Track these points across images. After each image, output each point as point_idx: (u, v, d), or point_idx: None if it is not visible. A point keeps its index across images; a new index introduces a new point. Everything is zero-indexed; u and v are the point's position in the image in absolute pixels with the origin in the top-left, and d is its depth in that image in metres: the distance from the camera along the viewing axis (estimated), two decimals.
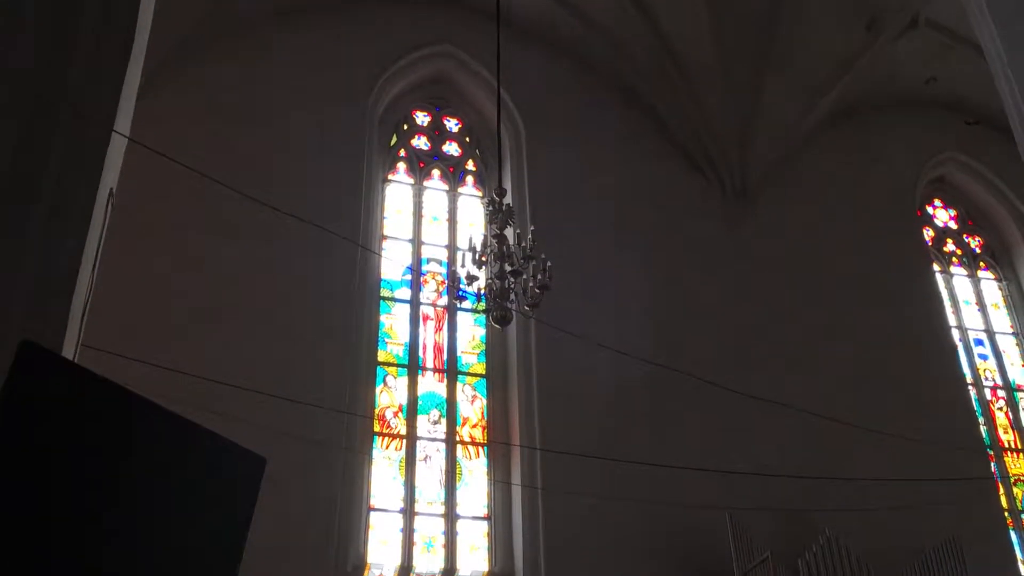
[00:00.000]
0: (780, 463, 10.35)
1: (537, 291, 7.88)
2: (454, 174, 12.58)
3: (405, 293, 11.52)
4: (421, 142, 12.70)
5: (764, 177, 12.75)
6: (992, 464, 12.06)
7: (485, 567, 10.00)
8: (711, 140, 12.66)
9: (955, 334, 13.02)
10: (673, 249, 12.04)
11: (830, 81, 12.91)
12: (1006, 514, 11.69)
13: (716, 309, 11.72)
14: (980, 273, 14.05)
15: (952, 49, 13.09)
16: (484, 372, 11.21)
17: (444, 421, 10.77)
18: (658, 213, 12.25)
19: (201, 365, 8.68)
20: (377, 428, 10.43)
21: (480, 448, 10.72)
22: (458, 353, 11.26)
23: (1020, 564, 11.31)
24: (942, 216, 14.39)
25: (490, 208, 8.30)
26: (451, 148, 12.76)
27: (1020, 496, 12.12)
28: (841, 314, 12.14)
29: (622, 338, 10.51)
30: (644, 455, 9.99)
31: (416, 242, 11.92)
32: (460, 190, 12.51)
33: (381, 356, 10.92)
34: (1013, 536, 11.53)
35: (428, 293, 11.63)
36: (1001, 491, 11.87)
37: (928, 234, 13.98)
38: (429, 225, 12.12)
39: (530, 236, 8.03)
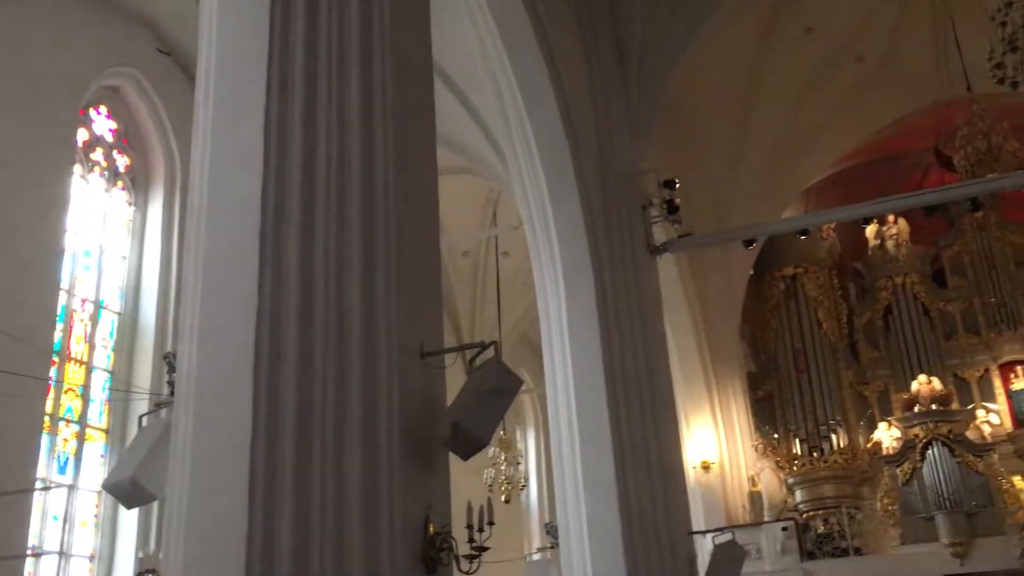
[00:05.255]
0: None
1: None
2: None
3: None
4: None
5: None
6: (53, 369, 12.22)
7: None
8: None
9: (68, 239, 12.92)
10: None
11: None
12: (47, 418, 11.92)
13: None
14: (116, 191, 14.31)
15: None
16: None
17: None
18: None
19: None
20: None
21: None
22: None
23: (39, 467, 11.60)
24: (103, 124, 14.30)
25: None
26: None
27: (65, 404, 12.51)
28: None
29: None
30: None
31: None
32: None
33: None
34: (44, 439, 11.76)
35: None
36: (51, 395, 12.08)
37: (83, 135, 13.72)
38: None
39: None
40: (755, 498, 16.72)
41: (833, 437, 17.28)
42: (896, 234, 18.67)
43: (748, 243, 13.61)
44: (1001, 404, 17.07)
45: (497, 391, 4.64)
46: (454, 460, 4.69)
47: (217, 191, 4.55)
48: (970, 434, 15.35)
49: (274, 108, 4.59)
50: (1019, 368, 17.17)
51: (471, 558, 4.49)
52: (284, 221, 4.36)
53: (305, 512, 3.80)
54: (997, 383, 17.33)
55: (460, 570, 4.46)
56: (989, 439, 15.72)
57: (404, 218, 4.64)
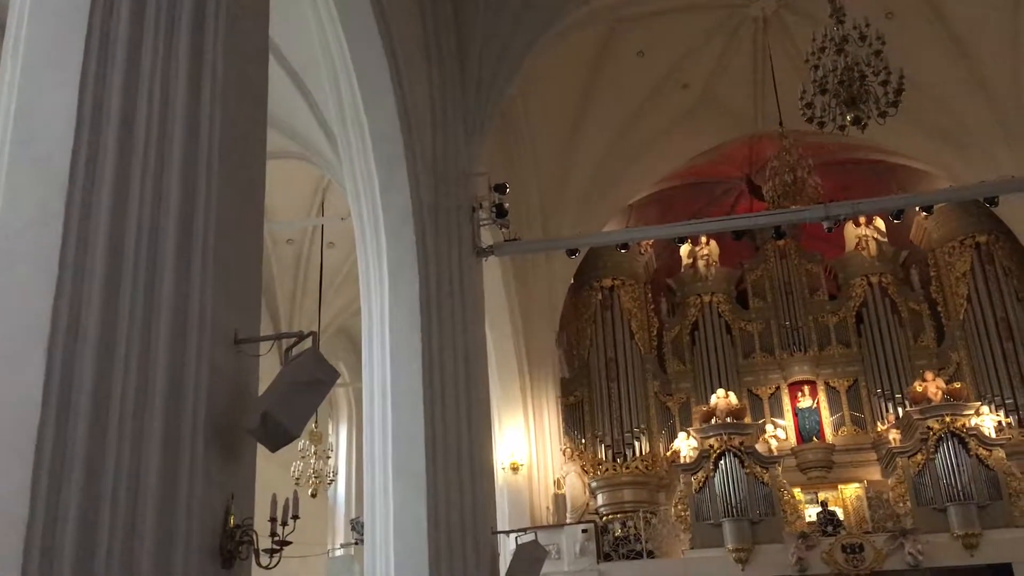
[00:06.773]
0: None
1: None
2: None
3: None
4: None
5: None
6: None
7: None
8: None
9: None
10: None
11: None
12: None
13: None
14: None
15: None
16: None
17: None
18: None
19: None
20: None
21: None
22: None
23: None
24: None
25: None
26: None
27: None
28: None
29: None
30: None
31: None
32: None
33: None
34: None
35: None
36: None
37: None
38: None
39: None
40: (559, 500, 17.18)
41: (636, 444, 17.99)
42: (707, 255, 19.67)
43: (571, 252, 13.98)
44: (788, 420, 18.31)
45: (312, 382, 4.55)
46: (261, 451, 4.56)
47: (20, 152, 4.22)
48: (759, 447, 16.37)
49: (92, 68, 4.31)
50: (806, 387, 18.50)
51: (272, 552, 4.38)
52: (94, 190, 4.10)
53: (94, 498, 3.58)
54: (786, 400, 18.58)
55: (259, 564, 4.33)
56: (775, 452, 16.82)
57: (226, 199, 4.47)
